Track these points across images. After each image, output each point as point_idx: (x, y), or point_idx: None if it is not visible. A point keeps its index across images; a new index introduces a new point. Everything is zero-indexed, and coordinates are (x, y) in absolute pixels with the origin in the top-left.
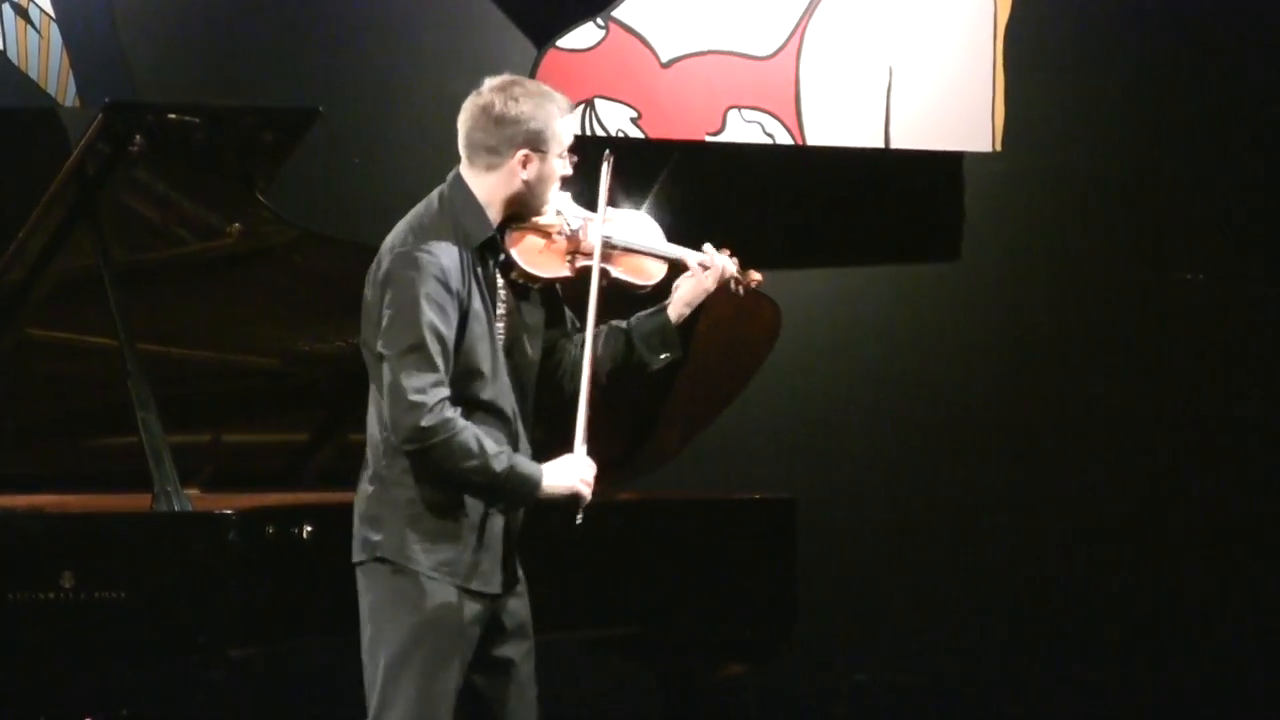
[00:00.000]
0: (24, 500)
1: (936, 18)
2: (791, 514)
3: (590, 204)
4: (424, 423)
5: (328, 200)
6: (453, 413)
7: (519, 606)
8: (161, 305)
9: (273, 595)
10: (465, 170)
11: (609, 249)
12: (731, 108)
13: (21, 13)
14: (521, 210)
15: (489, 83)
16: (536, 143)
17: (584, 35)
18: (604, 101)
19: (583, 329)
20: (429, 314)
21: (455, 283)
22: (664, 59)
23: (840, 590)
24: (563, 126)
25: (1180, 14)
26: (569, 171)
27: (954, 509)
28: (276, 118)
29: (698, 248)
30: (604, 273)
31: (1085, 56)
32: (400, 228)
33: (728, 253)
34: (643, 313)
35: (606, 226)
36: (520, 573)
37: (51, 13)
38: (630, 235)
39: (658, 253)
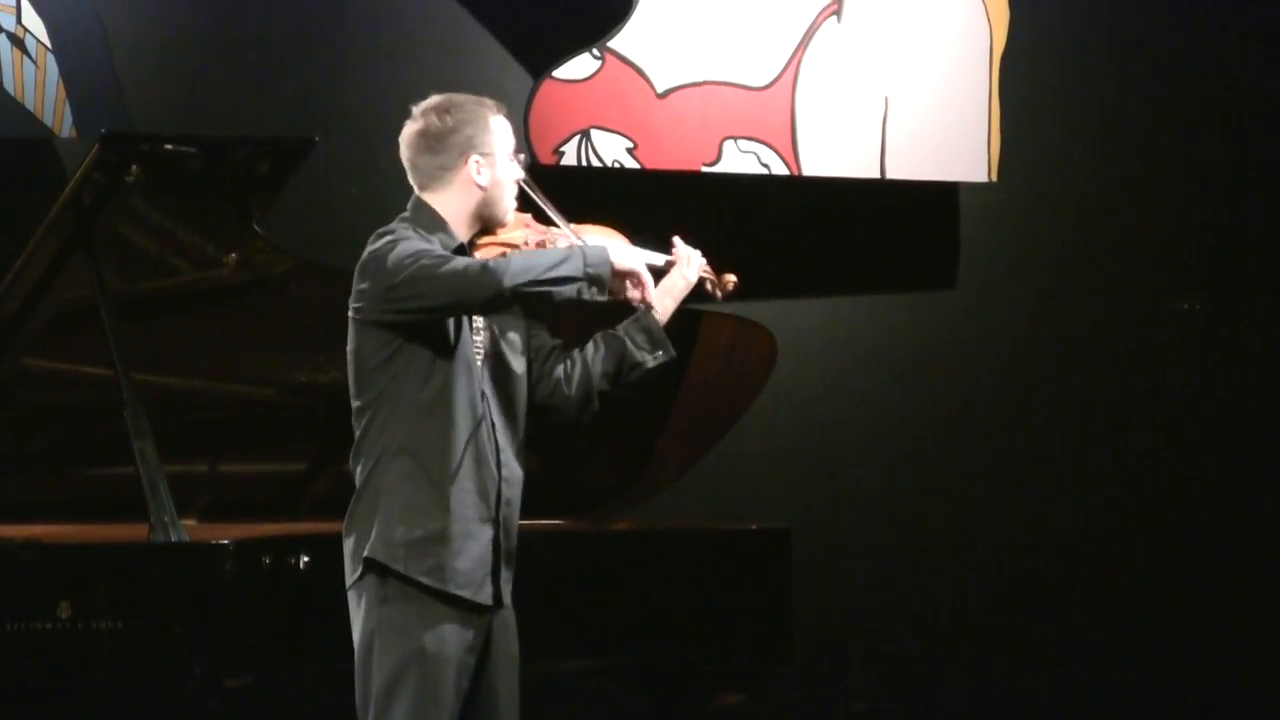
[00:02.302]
0: (21, 530)
1: (932, 48)
2: (787, 543)
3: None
4: (492, 263)
5: (324, 230)
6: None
7: (507, 634)
8: (158, 335)
9: (268, 625)
10: (422, 195)
11: None
12: (727, 138)
13: (18, 43)
14: (487, 221)
15: (418, 108)
16: (480, 146)
17: (580, 66)
18: (600, 132)
19: (568, 356)
20: (416, 244)
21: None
22: (660, 89)
23: (837, 619)
24: (499, 126)
25: (1175, 46)
26: (521, 173)
27: (950, 537)
28: (272, 148)
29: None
30: None
31: (1080, 87)
32: (372, 239)
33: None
34: (629, 319)
35: (573, 233)
36: (508, 600)
37: (48, 43)
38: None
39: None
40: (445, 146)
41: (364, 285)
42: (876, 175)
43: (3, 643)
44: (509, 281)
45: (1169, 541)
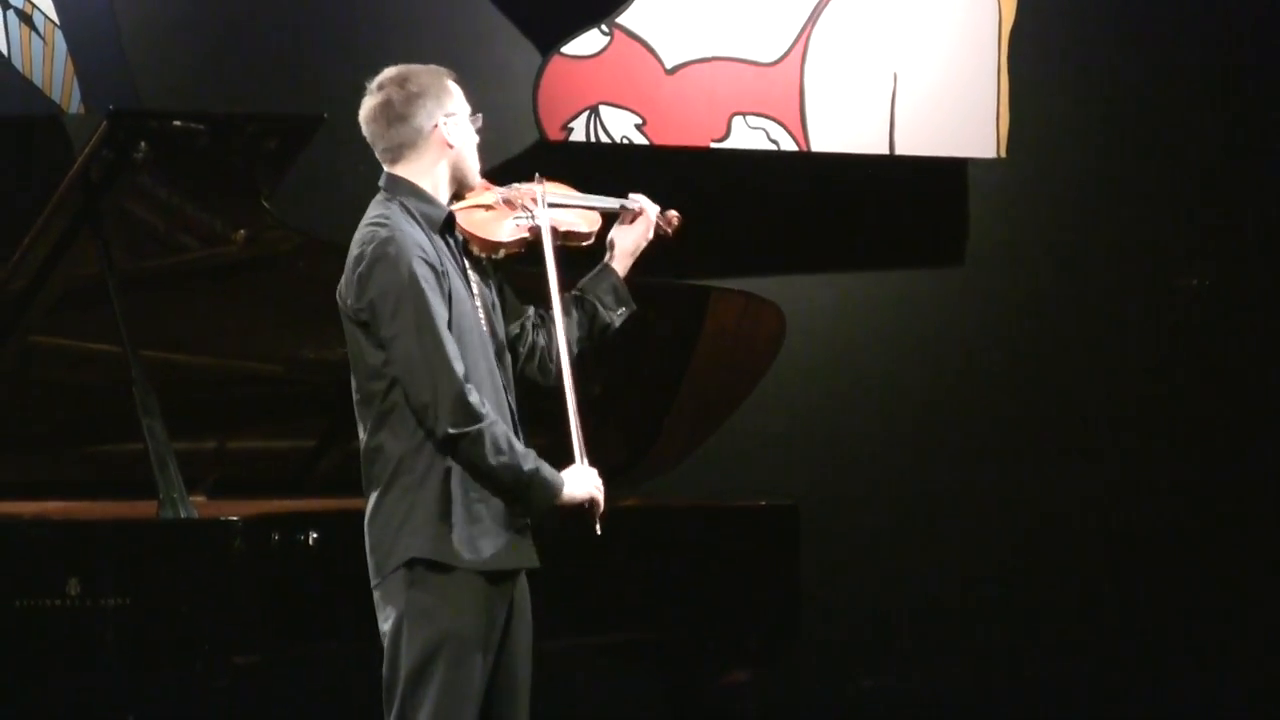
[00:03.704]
0: (30, 507)
1: (940, 24)
2: (795, 520)
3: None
4: (471, 400)
5: (332, 207)
6: (481, 399)
7: (524, 600)
8: (166, 312)
9: (278, 603)
10: (392, 168)
11: (548, 205)
12: (736, 114)
13: (26, 19)
14: (460, 181)
15: (374, 83)
16: (446, 107)
17: (589, 42)
18: (608, 108)
19: (545, 322)
20: (429, 295)
21: (433, 259)
22: (668, 65)
23: (844, 596)
24: (454, 87)
25: (1184, 19)
26: (477, 128)
27: (959, 514)
28: (281, 124)
29: (704, 253)
30: (553, 230)
31: (1089, 62)
32: (366, 232)
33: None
34: (588, 276)
35: (536, 186)
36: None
37: (56, 19)
38: (561, 194)
39: (589, 204)
40: (413, 113)
41: (366, 312)
42: (885, 151)
43: (12, 620)
44: (468, 444)
45: (1175, 516)
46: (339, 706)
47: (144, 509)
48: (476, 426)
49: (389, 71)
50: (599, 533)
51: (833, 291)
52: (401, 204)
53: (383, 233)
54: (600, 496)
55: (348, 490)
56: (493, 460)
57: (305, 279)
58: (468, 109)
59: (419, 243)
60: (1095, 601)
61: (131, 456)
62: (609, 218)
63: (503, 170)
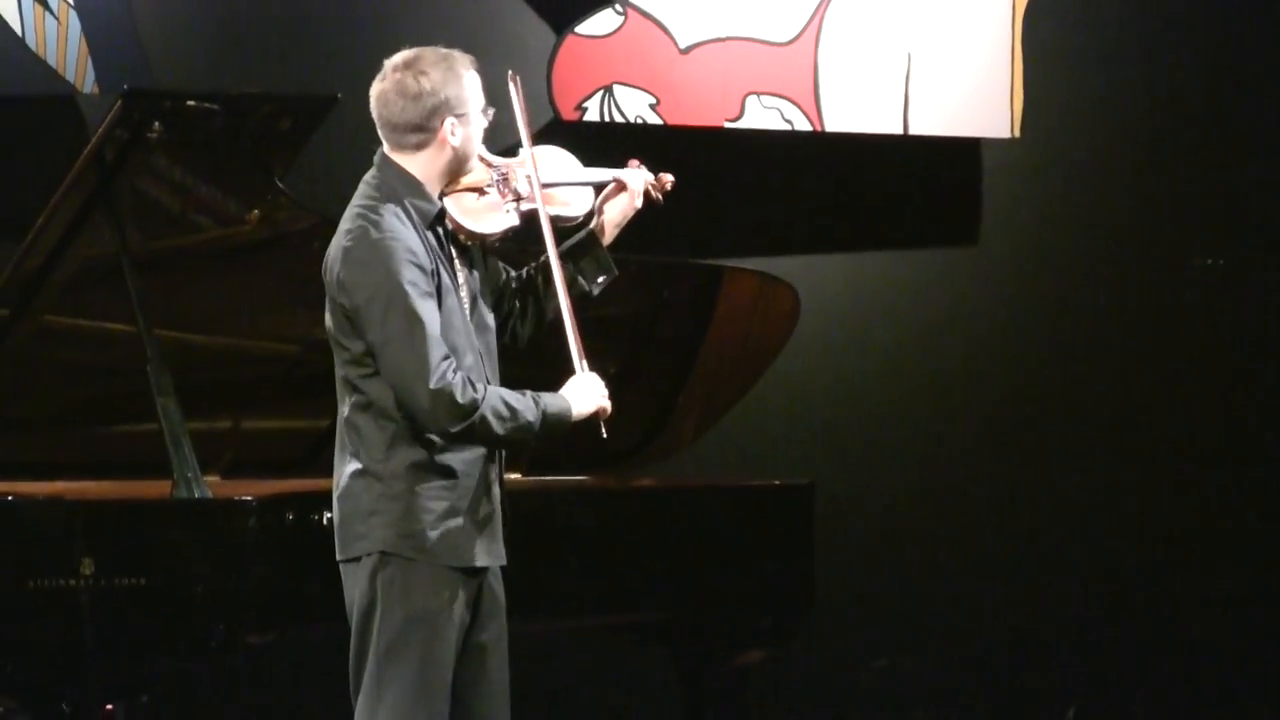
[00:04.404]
0: (44, 487)
1: (954, 3)
2: (810, 500)
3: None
4: (461, 399)
5: (346, 187)
6: (472, 384)
7: (496, 589)
8: (180, 292)
9: (292, 582)
10: (392, 153)
11: (542, 186)
12: (750, 94)
13: (40, 0)
14: (456, 174)
15: (391, 63)
16: (456, 107)
17: (603, 21)
18: (622, 88)
19: (534, 271)
20: (416, 297)
21: (425, 262)
22: (682, 45)
23: (859, 576)
24: (471, 83)
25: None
26: (486, 121)
27: (973, 494)
28: (294, 105)
29: (718, 233)
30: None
31: (1103, 42)
32: (351, 221)
33: (637, 163)
34: (570, 242)
35: (529, 164)
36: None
37: (70, 0)
38: (553, 170)
39: (583, 180)
40: (422, 107)
41: (358, 310)
42: (899, 131)
43: (26, 599)
44: (474, 435)
45: (1191, 495)
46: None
47: (158, 489)
48: (475, 415)
49: (402, 55)
50: (605, 436)
51: (847, 271)
52: (394, 196)
53: (373, 233)
54: (606, 402)
55: None
56: (503, 431)
57: (319, 259)
58: (480, 102)
59: (409, 246)
60: (1110, 582)
61: (146, 436)
62: (601, 190)
63: (516, 153)
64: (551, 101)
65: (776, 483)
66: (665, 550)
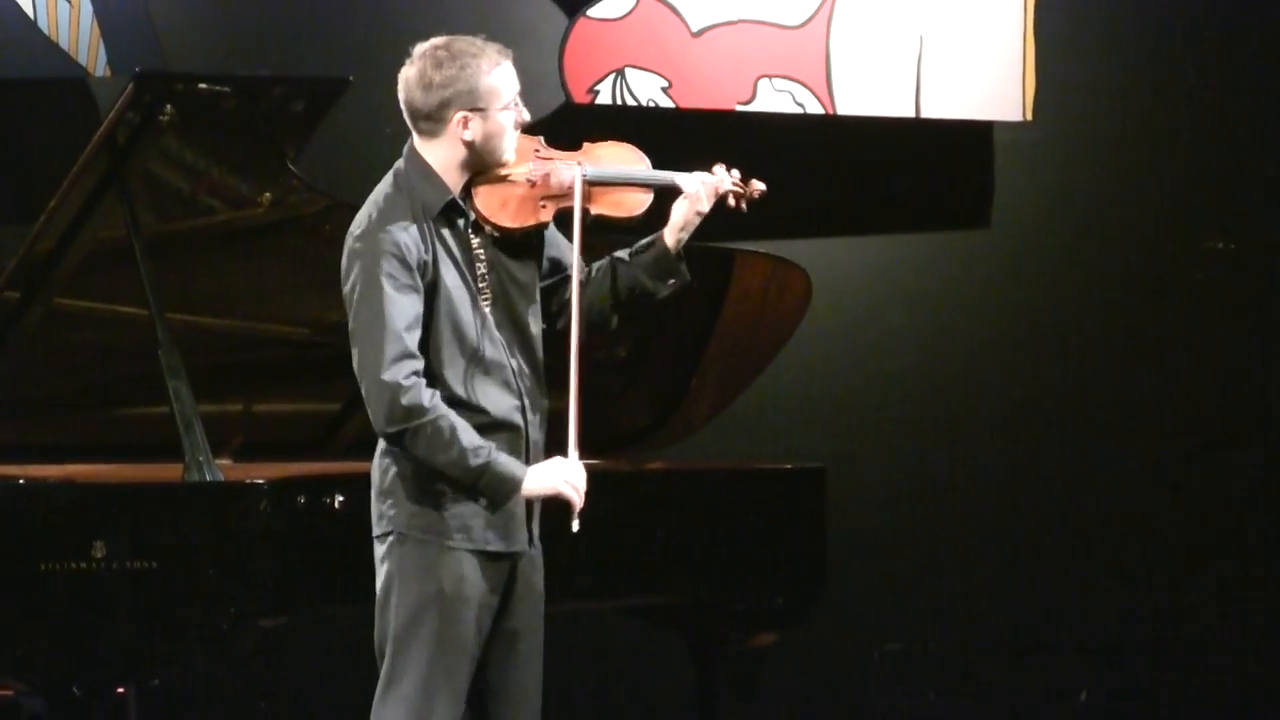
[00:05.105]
0: (55, 470)
1: None
2: (822, 483)
3: (571, 145)
4: (404, 400)
5: (358, 170)
6: (430, 395)
7: (533, 575)
8: (191, 275)
9: (303, 565)
10: (416, 141)
11: (586, 185)
12: (762, 77)
13: None
14: (480, 169)
15: (419, 49)
16: (471, 102)
17: (615, 4)
18: (634, 71)
19: (599, 269)
20: (390, 291)
21: (415, 258)
22: (694, 28)
23: (871, 559)
24: (496, 79)
25: None
26: (525, 118)
27: (984, 477)
28: (306, 87)
29: (729, 216)
30: (584, 212)
31: (1115, 25)
32: (363, 209)
33: (724, 167)
34: (640, 243)
35: (576, 165)
36: (538, 539)
37: None
38: (609, 168)
39: (640, 181)
40: (437, 98)
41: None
42: (911, 114)
43: (38, 582)
44: (407, 444)
45: (1206, 480)
46: (364, 669)
47: (170, 472)
48: (413, 423)
49: (433, 43)
50: (575, 529)
51: (859, 254)
52: (406, 185)
53: (369, 223)
54: (573, 492)
55: (373, 453)
56: (437, 457)
57: (331, 242)
58: (509, 96)
59: (397, 240)
60: (1123, 566)
61: (157, 419)
62: (664, 194)
63: (580, 145)
64: (563, 85)
65: (788, 466)
66: (677, 533)
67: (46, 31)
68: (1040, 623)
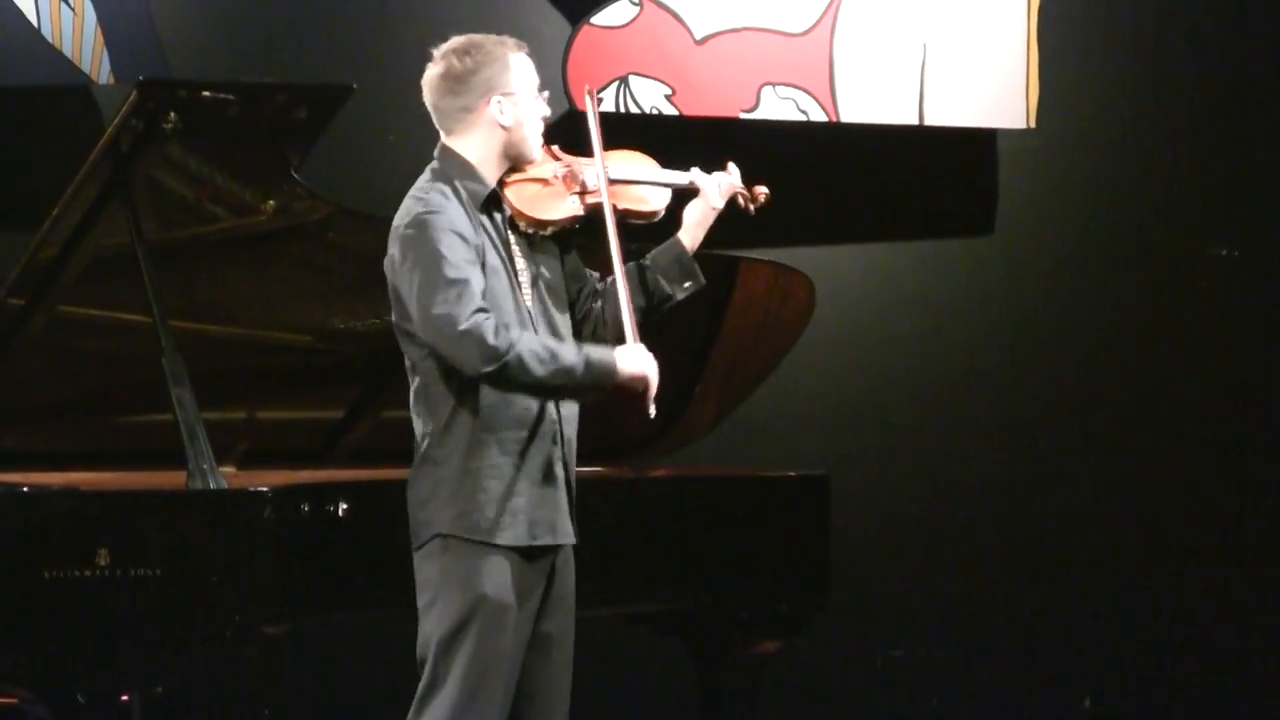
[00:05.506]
0: (59, 477)
1: None
2: (826, 490)
3: (583, 150)
4: (491, 341)
5: (361, 177)
6: (504, 326)
7: (568, 576)
8: (195, 282)
9: (307, 572)
10: (448, 140)
11: (610, 182)
12: (765, 84)
13: None
14: (515, 160)
15: (438, 51)
16: (501, 85)
17: (618, 12)
18: (638, 78)
19: (604, 274)
20: (452, 257)
21: (470, 237)
22: (698, 36)
23: (875, 565)
24: (520, 64)
25: None
26: (546, 110)
27: (988, 484)
28: (310, 95)
29: (733, 223)
30: (611, 207)
31: (1119, 32)
32: (404, 205)
33: (734, 165)
34: (658, 248)
35: (599, 165)
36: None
37: None
38: (628, 168)
39: (658, 180)
40: (467, 88)
41: (398, 282)
42: (915, 122)
43: (42, 590)
44: (509, 374)
45: (1210, 485)
46: (368, 676)
47: (173, 479)
48: (509, 354)
49: (454, 40)
50: (652, 414)
51: (862, 262)
52: (446, 179)
53: (418, 209)
54: (654, 374)
55: (377, 460)
56: (540, 373)
57: (334, 249)
58: (533, 85)
59: (453, 222)
60: (1127, 571)
61: (161, 427)
62: (680, 195)
63: (589, 152)
64: (567, 92)
65: (792, 473)
66: (680, 540)
67: (50, 39)
68: (1044, 628)
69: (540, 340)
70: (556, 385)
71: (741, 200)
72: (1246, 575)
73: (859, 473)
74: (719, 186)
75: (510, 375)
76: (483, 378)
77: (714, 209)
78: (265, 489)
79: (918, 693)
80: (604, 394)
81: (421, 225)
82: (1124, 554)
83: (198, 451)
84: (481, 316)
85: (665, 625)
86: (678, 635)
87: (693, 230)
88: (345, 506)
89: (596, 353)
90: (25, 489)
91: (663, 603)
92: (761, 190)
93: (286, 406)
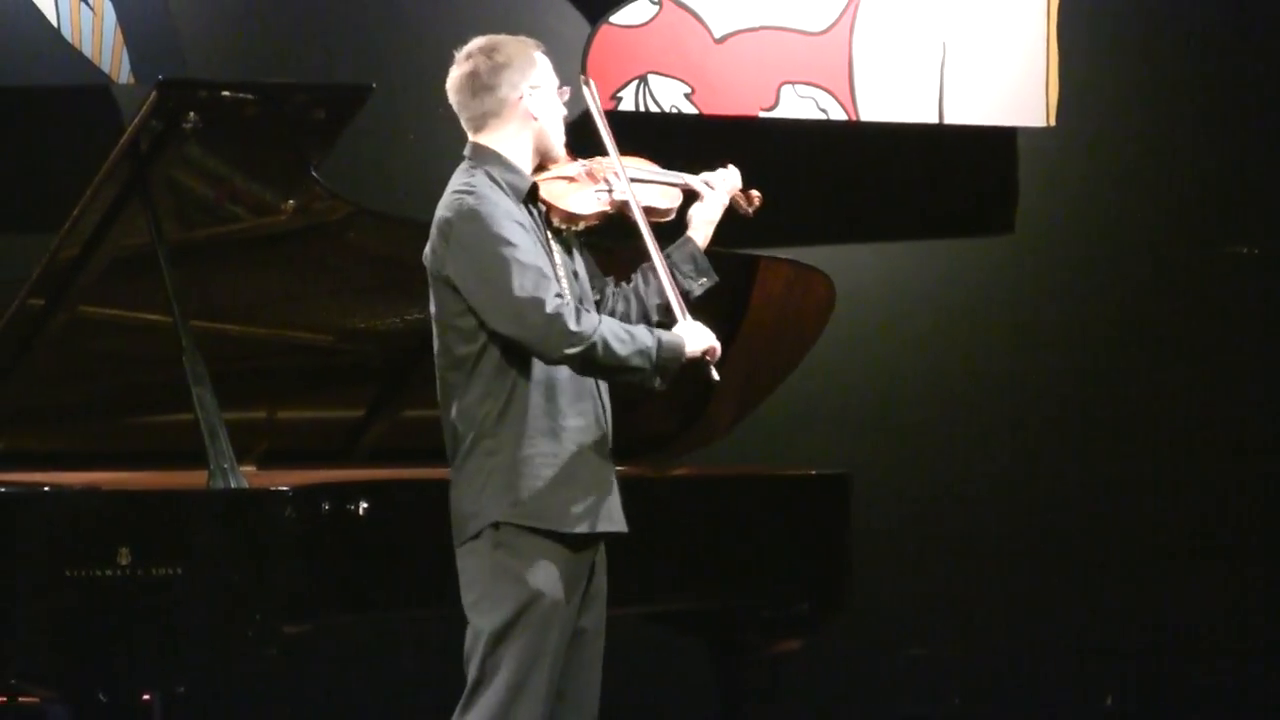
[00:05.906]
0: (80, 477)
1: None
2: (846, 489)
3: (589, 155)
4: (574, 326)
5: (381, 177)
6: (581, 310)
7: (602, 572)
8: (215, 282)
9: (328, 572)
10: (480, 139)
11: (630, 179)
12: (785, 83)
13: None
14: (543, 154)
15: (462, 53)
16: (530, 79)
17: (637, 11)
18: (657, 77)
19: (636, 275)
20: (522, 243)
21: (528, 226)
22: (717, 35)
23: (896, 564)
24: (542, 59)
25: None
26: (564, 103)
27: (1009, 482)
28: (330, 95)
29: (752, 221)
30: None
31: (1138, 30)
32: (449, 199)
33: (730, 167)
34: (670, 245)
35: (616, 162)
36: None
37: None
38: (640, 167)
39: (669, 180)
40: (498, 84)
41: (460, 271)
42: (934, 120)
43: (63, 589)
44: (594, 355)
45: (1228, 484)
46: (389, 675)
47: (194, 479)
48: (593, 335)
49: (477, 41)
50: (716, 378)
51: (882, 261)
52: (487, 173)
53: (470, 199)
54: (715, 342)
55: (397, 459)
56: (623, 353)
57: (354, 249)
58: (554, 82)
59: (510, 211)
60: (1147, 569)
61: (181, 426)
62: (689, 193)
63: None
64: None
65: (813, 472)
66: (701, 539)
67: (69, 39)
68: (1065, 627)
69: (616, 322)
70: (635, 366)
71: (741, 202)
72: (1272, 577)
73: (879, 471)
74: (724, 184)
75: (594, 357)
76: (566, 360)
77: (721, 205)
78: (286, 488)
79: (940, 691)
80: (672, 380)
81: (478, 215)
82: (1149, 554)
83: (218, 451)
84: (561, 300)
85: (685, 625)
86: (697, 635)
87: (702, 227)
88: (366, 506)
89: (665, 333)
90: (47, 488)
91: (683, 602)
92: (756, 194)
93: (307, 406)
